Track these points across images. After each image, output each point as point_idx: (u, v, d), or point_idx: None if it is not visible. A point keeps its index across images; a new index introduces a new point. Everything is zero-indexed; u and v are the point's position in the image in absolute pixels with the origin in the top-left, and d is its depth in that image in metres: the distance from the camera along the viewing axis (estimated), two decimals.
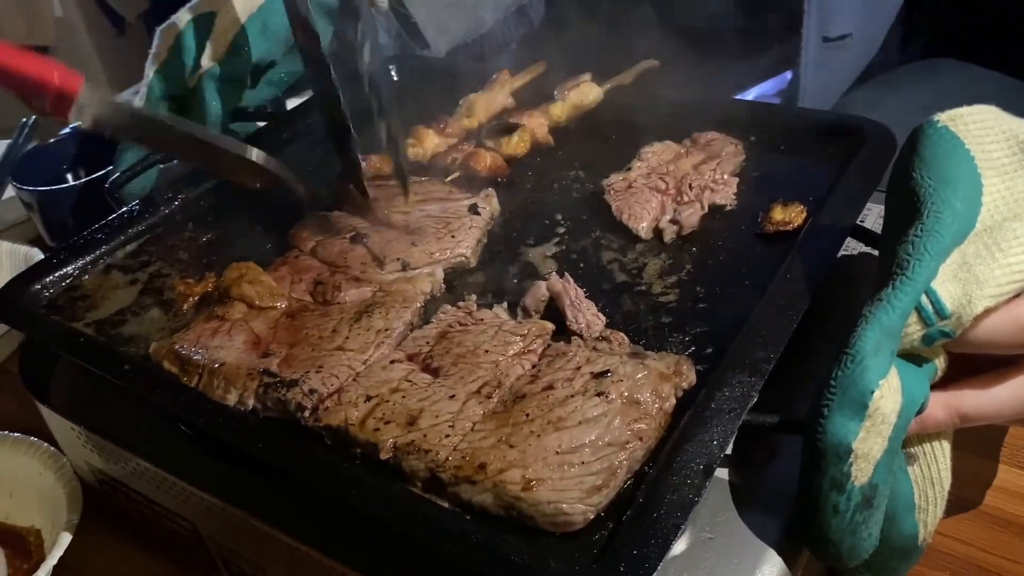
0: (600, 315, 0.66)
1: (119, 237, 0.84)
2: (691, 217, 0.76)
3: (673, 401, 0.58)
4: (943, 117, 0.56)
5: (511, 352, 0.63)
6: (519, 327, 0.65)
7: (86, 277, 0.81)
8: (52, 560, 0.69)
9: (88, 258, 0.82)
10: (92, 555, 0.75)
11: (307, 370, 0.63)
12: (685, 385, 0.59)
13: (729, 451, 0.55)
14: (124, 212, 0.86)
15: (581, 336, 0.64)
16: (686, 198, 0.78)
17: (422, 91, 1.00)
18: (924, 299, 0.50)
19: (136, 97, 0.92)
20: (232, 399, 0.63)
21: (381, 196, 0.81)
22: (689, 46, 0.99)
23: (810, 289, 0.62)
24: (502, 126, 0.90)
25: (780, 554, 0.54)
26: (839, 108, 1.15)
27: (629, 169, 0.82)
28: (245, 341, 0.67)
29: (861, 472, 0.50)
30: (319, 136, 0.96)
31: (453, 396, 0.59)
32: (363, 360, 0.64)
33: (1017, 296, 0.52)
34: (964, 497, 0.66)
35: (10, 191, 1.13)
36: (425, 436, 0.56)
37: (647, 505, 0.50)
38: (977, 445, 0.71)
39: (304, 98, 1.07)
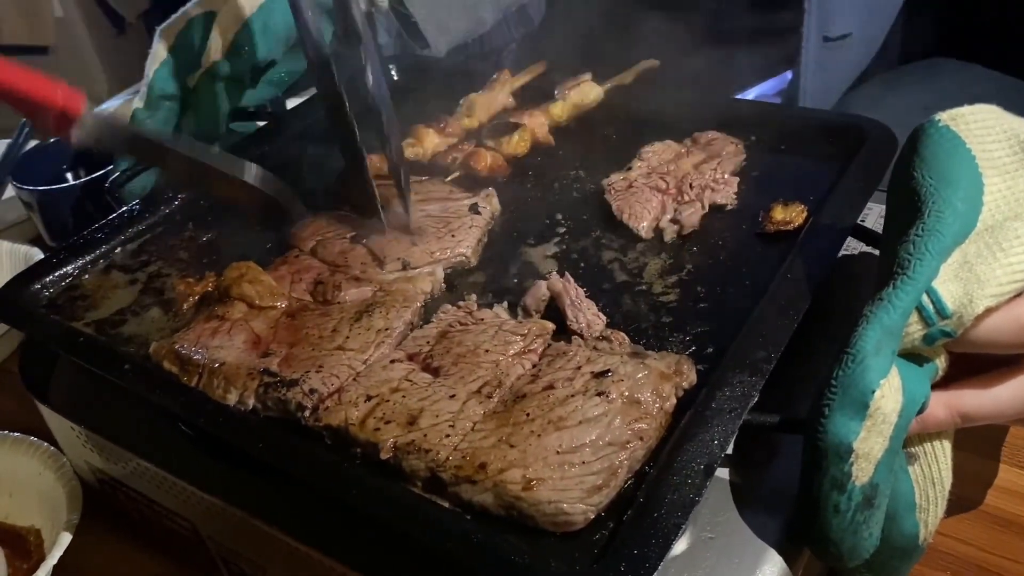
0: (600, 315, 0.66)
1: (119, 237, 0.84)
2: (692, 217, 0.76)
3: (674, 401, 0.58)
4: (944, 116, 0.56)
5: (511, 352, 0.62)
6: (519, 327, 0.65)
7: (86, 277, 0.81)
8: (52, 560, 0.69)
9: (88, 258, 0.82)
10: (92, 555, 0.75)
11: (307, 370, 0.63)
12: (686, 385, 0.59)
13: (730, 451, 0.55)
14: (124, 211, 0.86)
15: (582, 336, 0.64)
16: (687, 198, 0.78)
17: (422, 91, 1.00)
18: (925, 299, 0.50)
19: (136, 97, 0.92)
20: (232, 399, 0.63)
21: (382, 197, 0.81)
22: (689, 46, 0.99)
23: (811, 289, 0.62)
24: (502, 126, 0.90)
25: (781, 554, 0.54)
26: (839, 108, 1.15)
27: (629, 168, 0.82)
28: (245, 341, 0.67)
29: (862, 472, 0.50)
30: (319, 136, 0.96)
31: (453, 396, 0.59)
32: (363, 360, 0.64)
33: (1018, 296, 0.52)
34: (965, 497, 0.66)
35: (10, 191, 1.13)
36: (425, 436, 0.56)
37: (648, 505, 0.50)
38: (978, 445, 0.71)
39: (304, 98, 1.07)
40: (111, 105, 1.36)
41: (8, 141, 1.20)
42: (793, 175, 0.80)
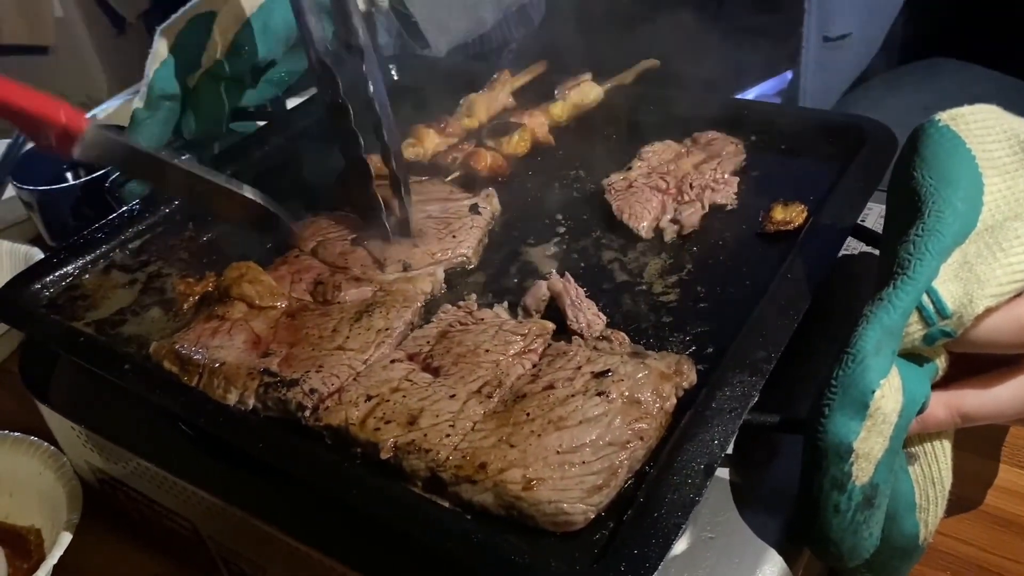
0: (601, 315, 0.66)
1: (119, 236, 0.84)
2: (692, 217, 0.76)
3: (674, 400, 0.58)
4: (944, 116, 0.56)
5: (512, 352, 0.62)
6: (520, 327, 0.65)
7: (86, 276, 0.81)
8: (52, 560, 0.69)
9: (88, 257, 0.82)
10: (92, 554, 0.75)
11: (307, 370, 0.63)
12: (686, 385, 0.59)
13: (730, 451, 0.55)
14: (124, 211, 0.86)
15: (582, 336, 0.64)
16: (687, 197, 0.78)
17: (422, 91, 1.00)
18: (925, 298, 0.50)
19: (136, 97, 0.92)
20: (232, 399, 0.63)
21: (382, 199, 0.81)
22: (690, 46, 0.99)
23: (811, 289, 0.62)
24: (503, 126, 0.90)
25: (781, 553, 0.54)
26: (839, 108, 1.15)
27: (630, 168, 0.82)
28: (245, 341, 0.67)
29: (862, 472, 0.50)
30: (319, 136, 0.96)
31: (454, 396, 0.59)
32: (363, 360, 0.64)
33: (1018, 296, 0.52)
34: (965, 497, 0.66)
35: (10, 190, 1.13)
36: (426, 436, 0.56)
37: (648, 505, 0.50)
38: (978, 445, 0.71)
39: (304, 98, 1.07)
40: (111, 105, 1.37)
41: (8, 141, 1.20)
42: (793, 175, 0.80)
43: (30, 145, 1.17)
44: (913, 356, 0.53)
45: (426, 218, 0.79)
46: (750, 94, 1.22)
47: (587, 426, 0.55)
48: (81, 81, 2.24)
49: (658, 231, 0.76)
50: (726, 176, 0.79)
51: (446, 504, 0.54)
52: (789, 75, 1.20)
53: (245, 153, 0.94)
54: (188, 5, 0.92)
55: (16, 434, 0.80)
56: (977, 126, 0.56)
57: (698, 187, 0.78)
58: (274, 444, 0.59)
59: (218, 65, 0.90)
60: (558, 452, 0.54)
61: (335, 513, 0.57)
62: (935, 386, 0.54)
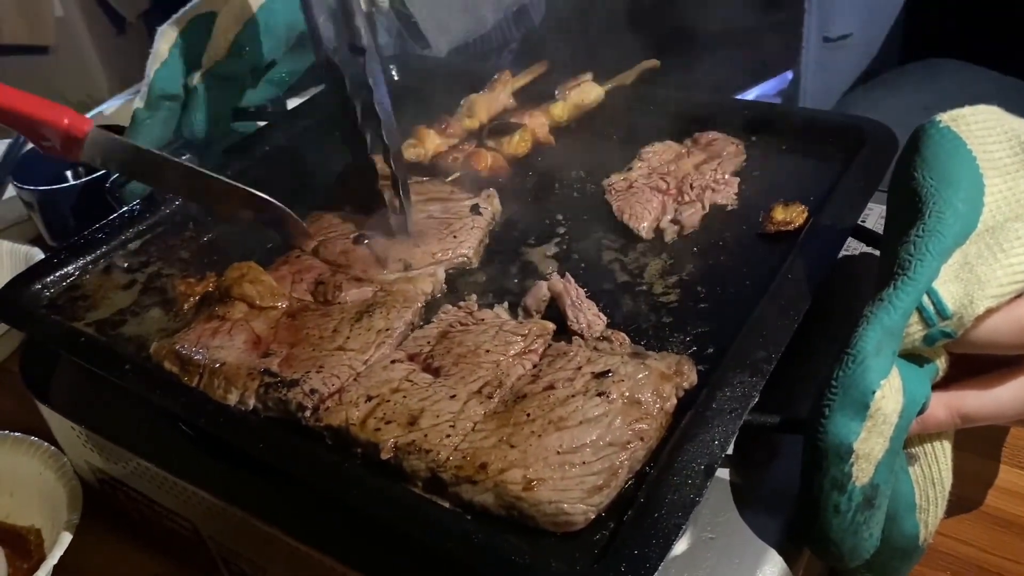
0: (601, 315, 0.66)
1: (120, 237, 0.84)
2: (692, 217, 0.76)
3: (674, 401, 0.58)
4: (945, 117, 0.56)
5: (512, 352, 0.62)
6: (520, 327, 0.65)
7: (87, 277, 0.81)
8: (52, 560, 0.69)
9: (89, 258, 0.82)
10: (92, 555, 0.75)
11: (308, 370, 0.63)
12: (686, 385, 0.59)
13: (730, 451, 0.55)
14: (125, 212, 0.86)
15: (582, 336, 0.64)
16: (687, 198, 0.78)
17: (423, 91, 1.00)
18: (925, 299, 0.50)
19: (137, 97, 0.92)
20: (233, 399, 0.63)
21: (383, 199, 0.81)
22: (690, 46, 0.99)
23: (811, 289, 0.62)
24: (503, 126, 0.90)
25: (781, 554, 0.55)
26: (840, 108, 1.15)
27: (630, 169, 0.82)
28: (246, 341, 0.67)
29: (862, 472, 0.50)
30: (319, 136, 0.96)
31: (454, 396, 0.59)
32: (364, 360, 0.64)
33: (1019, 296, 0.52)
34: (965, 497, 0.66)
35: (10, 190, 1.13)
36: (426, 436, 0.56)
37: (648, 505, 0.50)
38: (978, 445, 0.71)
39: (304, 98, 1.07)
40: (111, 105, 1.37)
41: (9, 141, 1.20)
42: (793, 175, 0.80)
43: (30, 145, 1.18)
44: (913, 357, 0.53)
45: (427, 218, 0.79)
46: (750, 94, 1.22)
47: (587, 426, 0.55)
48: (81, 81, 2.24)
49: (658, 231, 0.76)
50: (726, 176, 0.79)
51: (446, 504, 0.54)
52: (789, 75, 1.20)
53: (245, 153, 0.94)
54: (189, 5, 0.92)
55: (16, 434, 0.80)
56: (978, 127, 0.56)
57: (698, 187, 0.78)
58: (274, 444, 0.59)
59: (219, 65, 0.90)
60: (558, 452, 0.54)
61: (335, 513, 0.57)
62: (935, 387, 0.54)
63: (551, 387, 0.58)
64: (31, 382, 0.77)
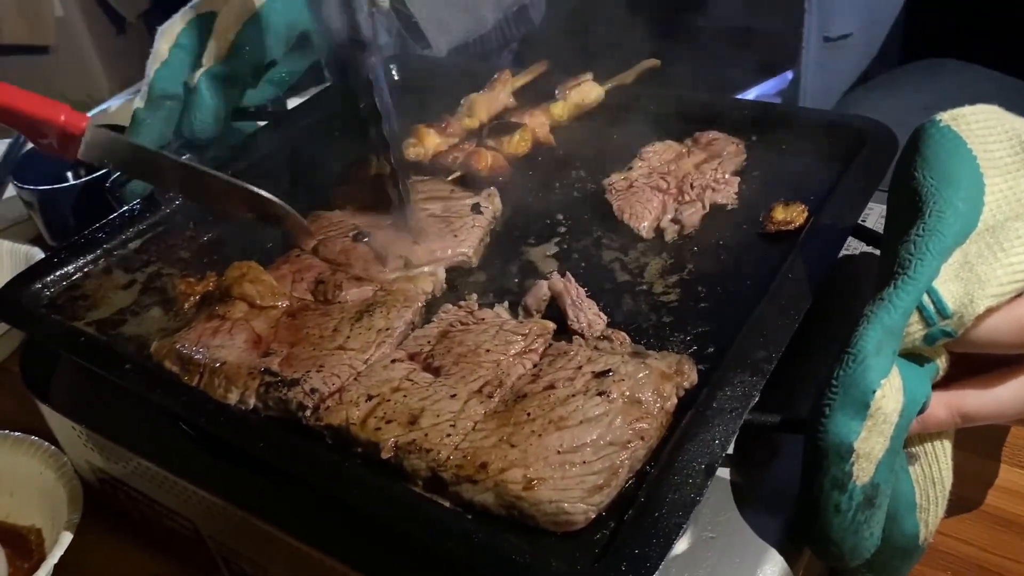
0: (601, 314, 0.66)
1: (120, 236, 0.84)
2: (692, 216, 0.76)
3: (675, 400, 0.58)
4: (945, 116, 0.56)
5: (512, 351, 0.62)
6: (520, 326, 0.65)
7: (87, 276, 0.81)
8: (53, 559, 0.69)
9: (89, 257, 0.82)
10: (93, 554, 0.75)
11: (308, 369, 0.63)
12: (687, 384, 0.59)
13: (731, 450, 0.55)
14: (125, 211, 0.86)
15: (582, 335, 0.64)
16: (687, 197, 0.78)
17: (423, 91, 1.00)
18: (926, 298, 0.50)
19: (137, 97, 0.92)
20: (233, 398, 0.63)
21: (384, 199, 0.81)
22: (690, 46, 0.99)
23: (812, 289, 0.62)
24: (503, 125, 0.90)
25: (782, 553, 0.55)
26: (840, 108, 1.15)
27: (630, 168, 0.82)
28: (246, 340, 0.67)
29: (863, 471, 0.50)
30: (320, 136, 0.96)
31: (454, 395, 0.59)
32: (364, 359, 0.64)
33: (1019, 296, 0.52)
34: (965, 497, 0.66)
35: (11, 190, 1.13)
36: (426, 435, 0.56)
37: (649, 504, 0.50)
38: (978, 445, 0.71)
39: (304, 98, 1.07)
40: (111, 105, 1.37)
41: (9, 141, 1.20)
42: (794, 175, 0.80)
43: (30, 145, 1.17)
44: (914, 356, 0.53)
45: (428, 216, 0.79)
46: (750, 94, 1.22)
47: (588, 426, 0.55)
48: (81, 81, 2.24)
49: (659, 231, 0.76)
50: (727, 176, 0.79)
51: (447, 504, 0.54)
52: (789, 75, 1.20)
53: (246, 153, 0.94)
54: (189, 5, 0.92)
55: (16, 434, 0.80)
56: (978, 126, 0.56)
57: (699, 187, 0.78)
58: (275, 444, 0.59)
59: (219, 65, 0.90)
60: (559, 452, 0.54)
61: (336, 513, 0.57)
62: (936, 386, 0.54)
63: (551, 386, 0.58)
64: (31, 382, 0.77)
